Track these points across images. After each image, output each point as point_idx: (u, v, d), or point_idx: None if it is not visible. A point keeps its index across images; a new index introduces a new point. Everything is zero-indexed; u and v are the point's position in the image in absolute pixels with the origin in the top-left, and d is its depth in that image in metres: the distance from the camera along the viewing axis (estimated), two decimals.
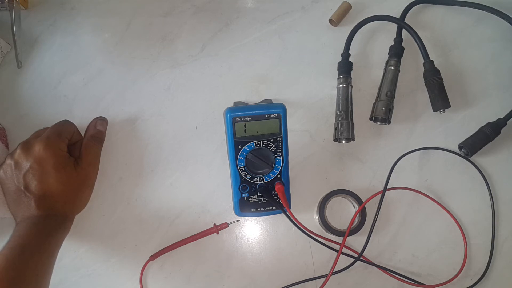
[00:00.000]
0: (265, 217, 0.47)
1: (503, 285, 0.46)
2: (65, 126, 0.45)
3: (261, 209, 0.43)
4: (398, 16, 0.51)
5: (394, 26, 0.50)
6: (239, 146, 0.41)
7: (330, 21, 0.51)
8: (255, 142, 0.41)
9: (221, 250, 0.47)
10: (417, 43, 0.48)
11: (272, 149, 0.42)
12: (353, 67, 0.49)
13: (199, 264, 0.46)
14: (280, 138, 0.41)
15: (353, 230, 0.45)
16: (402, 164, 0.48)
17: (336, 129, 0.47)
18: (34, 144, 0.41)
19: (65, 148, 0.43)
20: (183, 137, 0.49)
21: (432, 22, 0.52)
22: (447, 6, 0.52)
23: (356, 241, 0.46)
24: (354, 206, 0.47)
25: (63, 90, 0.50)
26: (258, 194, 0.43)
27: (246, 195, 0.43)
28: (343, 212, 0.47)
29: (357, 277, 0.46)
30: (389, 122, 0.48)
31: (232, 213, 0.45)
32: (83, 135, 0.47)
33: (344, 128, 0.46)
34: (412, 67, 0.50)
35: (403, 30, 0.50)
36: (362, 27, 0.50)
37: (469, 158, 0.48)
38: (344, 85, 0.47)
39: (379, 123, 0.49)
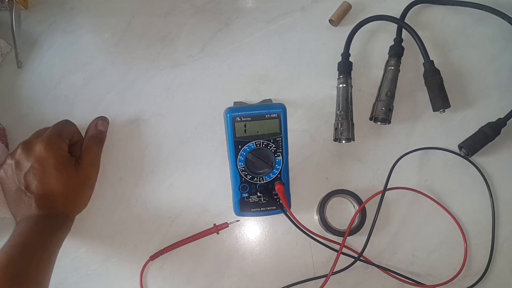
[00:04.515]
0: (265, 217, 0.47)
1: (503, 285, 0.46)
2: (65, 126, 0.45)
3: (261, 209, 0.43)
4: (398, 16, 0.51)
5: (394, 26, 0.50)
6: (239, 146, 0.41)
7: (330, 21, 0.51)
8: (255, 142, 0.41)
9: (221, 250, 0.47)
10: (417, 43, 0.48)
11: (272, 149, 0.42)
12: (353, 67, 0.49)
13: (199, 264, 0.46)
14: (280, 138, 0.41)
15: (353, 230, 0.45)
16: (402, 164, 0.48)
17: (336, 129, 0.47)
18: (35, 144, 0.41)
19: (66, 148, 0.43)
20: (183, 137, 0.49)
21: (432, 22, 0.52)
22: (447, 6, 0.52)
23: (356, 241, 0.46)
24: (354, 206, 0.47)
25: (63, 90, 0.50)
26: (258, 194, 0.43)
27: (246, 195, 0.43)
28: (343, 212, 0.47)
29: (357, 277, 0.46)
30: (389, 122, 0.48)
31: (232, 213, 0.45)
32: (83, 135, 0.47)
33: (344, 128, 0.46)
34: (412, 67, 0.50)
35: (403, 30, 0.50)
36: (362, 27, 0.50)
37: (469, 158, 0.48)
38: (344, 85, 0.47)
39: (379, 123, 0.49)
